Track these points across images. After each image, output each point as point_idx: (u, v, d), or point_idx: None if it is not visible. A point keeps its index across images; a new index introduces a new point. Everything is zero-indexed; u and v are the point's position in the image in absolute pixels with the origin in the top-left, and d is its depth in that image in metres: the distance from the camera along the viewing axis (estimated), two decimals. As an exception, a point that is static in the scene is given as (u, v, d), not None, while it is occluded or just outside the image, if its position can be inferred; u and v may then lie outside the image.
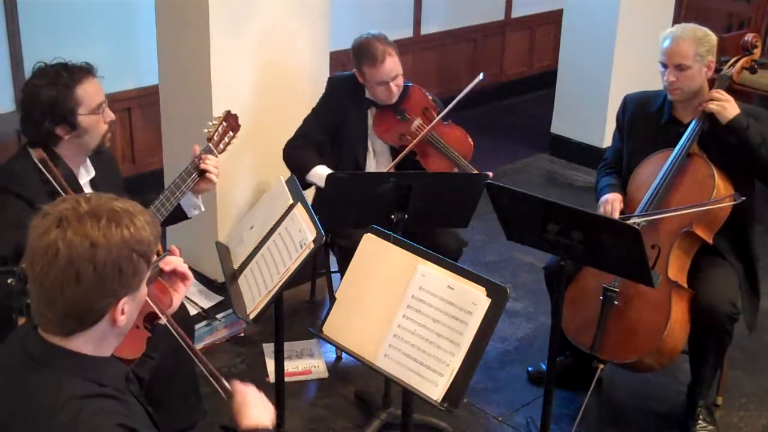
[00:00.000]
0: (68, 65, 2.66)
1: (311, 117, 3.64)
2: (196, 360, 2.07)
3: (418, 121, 3.52)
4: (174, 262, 2.10)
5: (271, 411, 1.96)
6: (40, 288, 1.59)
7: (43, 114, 2.61)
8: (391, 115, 3.56)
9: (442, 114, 3.48)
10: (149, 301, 1.94)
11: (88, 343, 1.65)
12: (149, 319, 2.17)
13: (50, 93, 2.60)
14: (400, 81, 3.50)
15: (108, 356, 1.70)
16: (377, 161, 3.67)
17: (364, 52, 3.46)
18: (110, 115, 2.73)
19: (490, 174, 3.21)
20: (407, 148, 3.46)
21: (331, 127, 3.60)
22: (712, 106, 3.08)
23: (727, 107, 3.07)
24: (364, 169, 3.60)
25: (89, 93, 2.65)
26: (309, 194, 3.47)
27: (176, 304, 2.13)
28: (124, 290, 1.62)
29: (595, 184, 3.49)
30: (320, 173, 3.44)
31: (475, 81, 3.38)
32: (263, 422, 1.90)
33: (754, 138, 3.05)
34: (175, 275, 2.10)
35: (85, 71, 2.66)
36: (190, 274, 2.12)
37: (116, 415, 1.60)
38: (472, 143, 3.53)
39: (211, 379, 2.02)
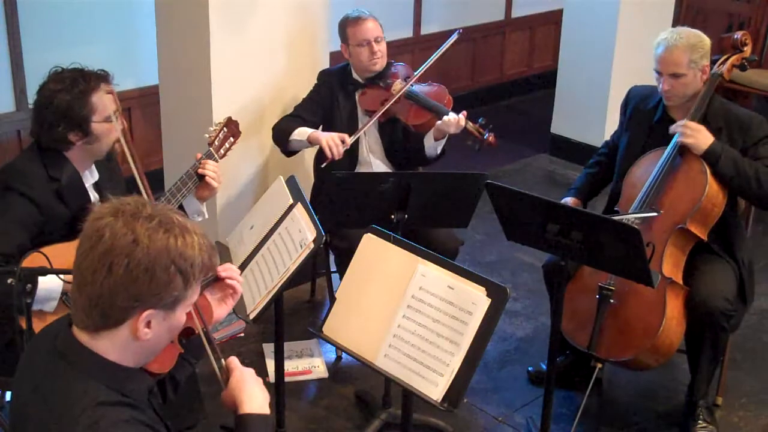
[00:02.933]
0: (85, 72, 2.65)
1: (303, 102, 3.76)
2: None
3: (399, 83, 3.65)
4: (231, 270, 2.11)
5: (268, 397, 1.86)
6: (78, 270, 1.59)
7: (56, 119, 2.60)
8: (375, 87, 3.69)
9: (421, 69, 3.64)
10: (193, 313, 1.87)
11: (112, 348, 1.63)
12: (184, 334, 2.10)
13: (65, 99, 2.60)
14: (383, 47, 3.65)
15: (134, 367, 1.68)
16: (368, 144, 3.73)
17: (348, 17, 3.67)
18: (123, 123, 2.73)
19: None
20: (390, 101, 3.57)
21: (323, 113, 3.71)
22: (685, 140, 3.08)
23: (699, 138, 3.07)
24: (357, 153, 3.69)
25: (104, 101, 2.65)
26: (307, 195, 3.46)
27: (219, 316, 2.10)
28: (152, 299, 1.58)
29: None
30: (303, 131, 3.58)
31: (451, 39, 3.66)
32: (264, 409, 1.81)
33: (726, 170, 3.05)
34: (227, 286, 2.10)
35: (102, 79, 2.66)
36: (240, 289, 2.12)
37: (134, 427, 1.59)
38: (450, 99, 3.66)
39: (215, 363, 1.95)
